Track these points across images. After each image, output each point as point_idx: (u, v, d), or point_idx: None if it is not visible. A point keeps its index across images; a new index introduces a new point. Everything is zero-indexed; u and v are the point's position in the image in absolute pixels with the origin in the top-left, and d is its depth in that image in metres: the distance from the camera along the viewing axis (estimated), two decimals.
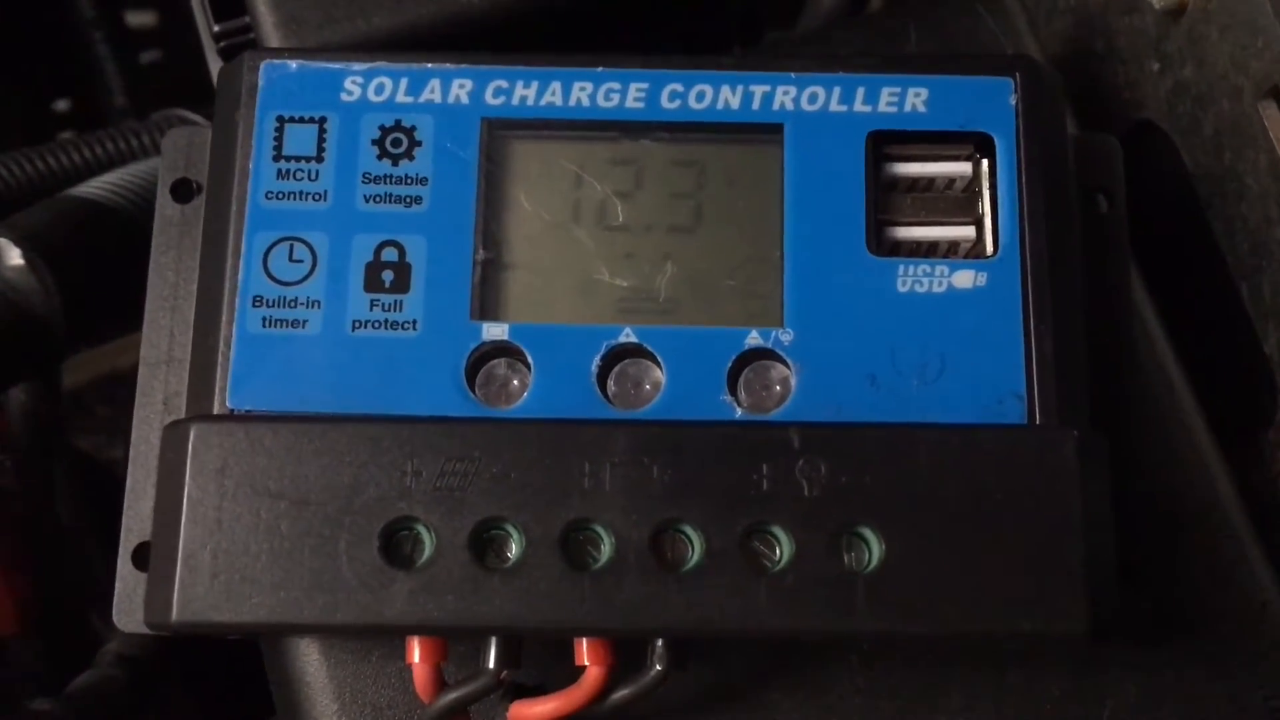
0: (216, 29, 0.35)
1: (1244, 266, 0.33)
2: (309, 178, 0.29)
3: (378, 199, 0.29)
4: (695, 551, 0.26)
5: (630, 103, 0.29)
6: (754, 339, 0.28)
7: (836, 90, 0.29)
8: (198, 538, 0.26)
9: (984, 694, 0.30)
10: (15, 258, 0.38)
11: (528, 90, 0.29)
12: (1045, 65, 0.32)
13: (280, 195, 0.29)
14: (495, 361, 0.28)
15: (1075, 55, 0.38)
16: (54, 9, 0.59)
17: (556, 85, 0.29)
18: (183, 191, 0.31)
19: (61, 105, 0.62)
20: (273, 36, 0.33)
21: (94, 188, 0.42)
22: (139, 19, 0.62)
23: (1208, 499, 0.31)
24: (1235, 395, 0.34)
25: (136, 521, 0.29)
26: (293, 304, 0.28)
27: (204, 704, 0.42)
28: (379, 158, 0.29)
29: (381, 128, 0.29)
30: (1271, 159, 0.31)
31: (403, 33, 0.33)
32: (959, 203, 0.29)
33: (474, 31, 0.34)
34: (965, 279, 0.28)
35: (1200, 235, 0.34)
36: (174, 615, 0.26)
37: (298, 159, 0.29)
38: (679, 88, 0.29)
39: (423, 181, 0.29)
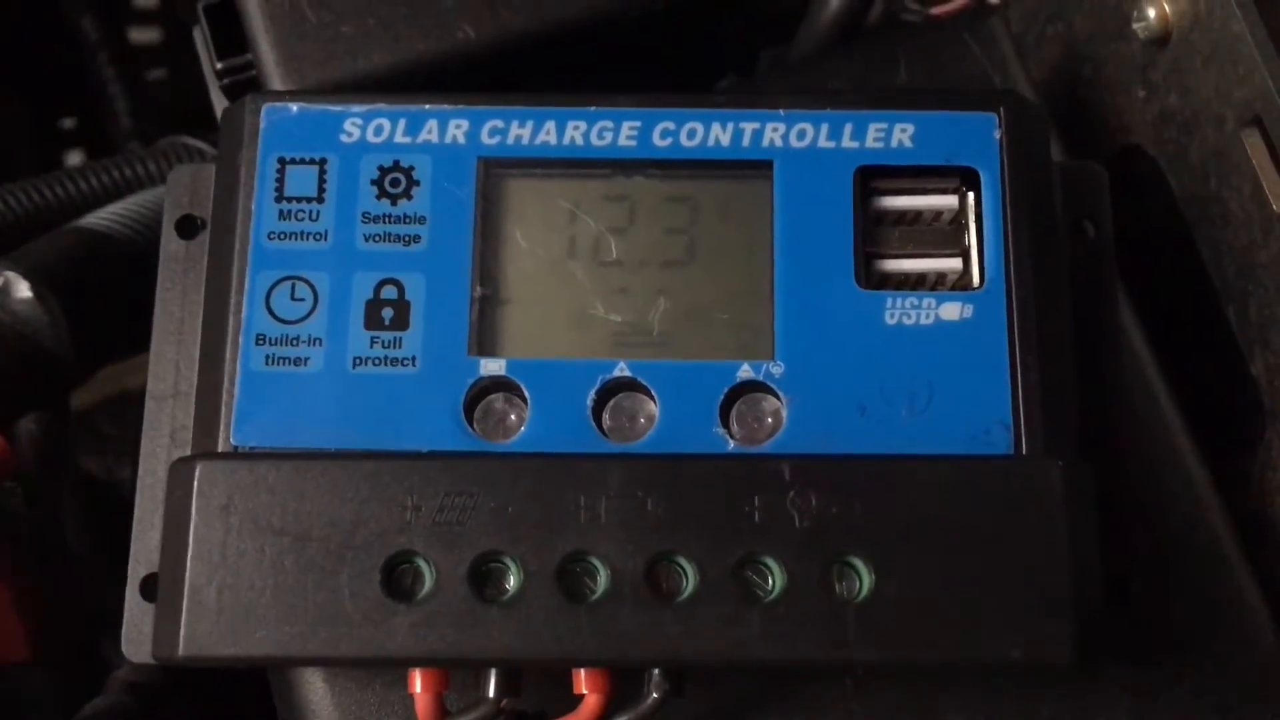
0: (219, 66, 0.35)
1: (1230, 290, 0.33)
2: (310, 218, 0.29)
3: (377, 238, 0.29)
4: (689, 582, 0.27)
5: (623, 140, 0.30)
6: (746, 372, 0.28)
7: (825, 127, 0.30)
8: (203, 574, 0.26)
9: (977, 716, 0.30)
10: (24, 290, 0.38)
11: (523, 130, 0.30)
12: (1029, 99, 0.32)
13: (282, 235, 0.29)
14: (493, 396, 0.29)
15: (1063, 82, 0.38)
16: (59, 28, 0.60)
17: (551, 124, 0.30)
18: (187, 228, 0.32)
19: (68, 123, 0.63)
20: (274, 74, 0.34)
21: (99, 219, 0.43)
22: (143, 36, 0.62)
23: (1197, 521, 0.32)
24: (1223, 417, 0.34)
25: (144, 553, 0.30)
26: (295, 342, 0.29)
27: None
28: (378, 197, 0.29)
29: (380, 168, 0.30)
30: (1255, 186, 0.31)
31: (402, 70, 0.34)
32: (945, 235, 0.30)
33: (472, 67, 0.35)
34: (952, 311, 0.29)
35: (1187, 259, 0.35)
36: (181, 650, 0.26)
37: (299, 199, 0.29)
38: (670, 125, 0.30)
39: (421, 220, 0.29)
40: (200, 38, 0.37)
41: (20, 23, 0.59)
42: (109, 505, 0.49)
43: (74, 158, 0.62)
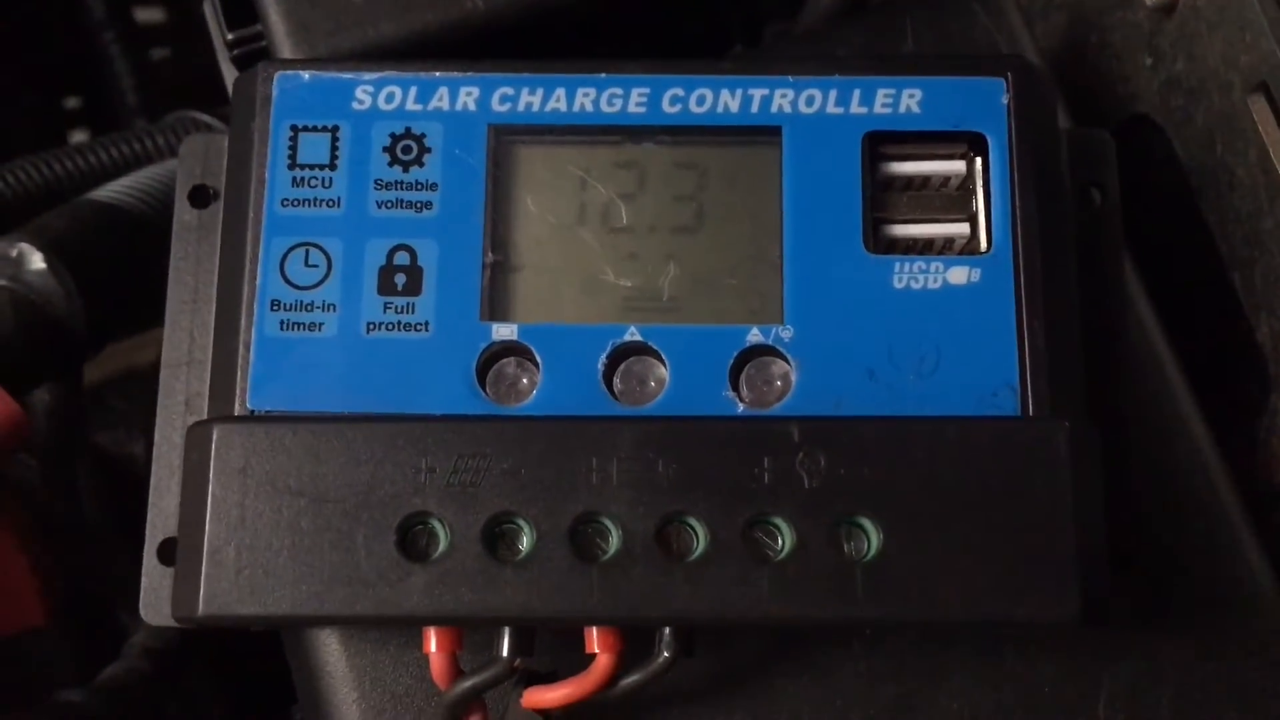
0: (229, 37, 0.35)
1: (1236, 257, 0.34)
2: (323, 185, 0.30)
3: (389, 204, 0.30)
4: (700, 542, 0.27)
5: (632, 107, 0.30)
6: (755, 336, 0.29)
7: (833, 93, 0.30)
8: (222, 535, 0.27)
9: (984, 677, 0.30)
10: (38, 262, 0.38)
11: (533, 97, 0.30)
12: (1037, 65, 0.32)
13: (295, 202, 0.29)
14: (505, 361, 0.29)
15: (1070, 50, 0.38)
16: (64, 8, 0.60)
17: (560, 91, 0.30)
18: (199, 197, 0.32)
19: (72, 103, 0.63)
20: (284, 44, 0.34)
21: (111, 192, 0.43)
22: (148, 15, 0.62)
23: (1202, 486, 0.32)
24: (1228, 383, 0.34)
25: (161, 518, 0.30)
26: (309, 307, 0.29)
27: (227, 693, 0.43)
28: (390, 164, 0.30)
29: (392, 135, 0.30)
30: (1261, 152, 0.32)
31: (410, 39, 0.34)
32: (953, 201, 0.30)
33: (479, 36, 0.34)
34: (960, 275, 0.29)
35: (1193, 226, 0.35)
36: (200, 609, 0.27)
37: (312, 167, 0.30)
38: (680, 92, 0.30)
39: (433, 187, 0.30)
40: (210, 8, 0.37)
41: (26, 3, 0.59)
42: (120, 478, 0.49)
43: (78, 137, 0.62)
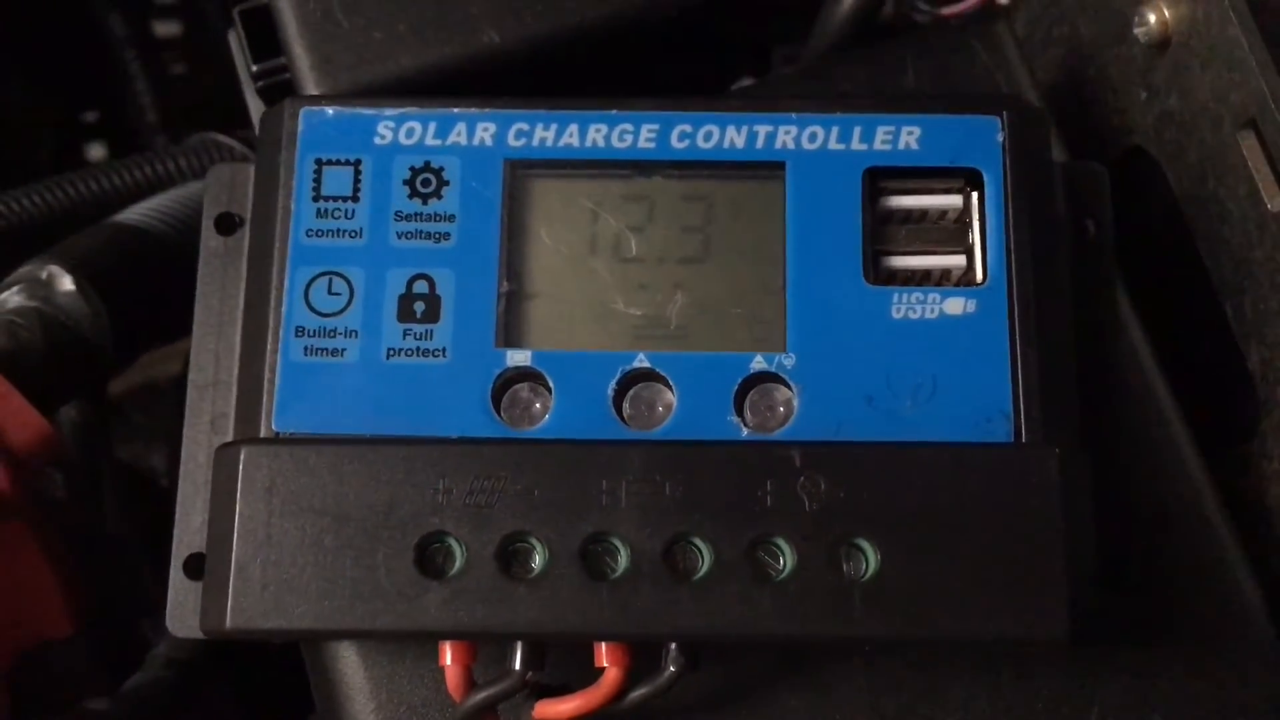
0: (254, 69, 0.37)
1: (1227, 287, 0.34)
2: (346, 216, 0.31)
3: (409, 235, 0.31)
4: (705, 562, 0.28)
5: (642, 143, 0.31)
6: (759, 363, 0.30)
7: (835, 129, 0.31)
8: (248, 551, 0.28)
9: (980, 694, 0.31)
10: (67, 284, 0.39)
11: (547, 132, 0.31)
12: (1031, 102, 0.33)
13: (319, 233, 0.31)
14: (519, 386, 0.30)
15: (1068, 84, 0.39)
16: (84, 23, 0.61)
17: (574, 127, 0.31)
18: (225, 224, 0.33)
19: (90, 117, 0.63)
20: (307, 77, 0.35)
21: (137, 214, 0.44)
22: (167, 30, 0.62)
23: (1193, 508, 0.33)
24: (1219, 410, 0.35)
25: (186, 534, 0.31)
26: (332, 334, 0.30)
27: (247, 703, 0.44)
28: (410, 197, 0.31)
29: (412, 169, 0.31)
30: (1250, 186, 0.32)
31: (428, 72, 0.35)
32: (950, 234, 0.31)
33: (495, 70, 0.36)
34: (956, 306, 0.30)
35: (1186, 256, 0.35)
36: (228, 622, 0.28)
37: (335, 199, 0.31)
38: (688, 128, 0.31)
39: (450, 219, 0.31)
40: (235, 41, 0.38)
41: (46, 18, 0.60)
42: (141, 491, 0.50)
43: (95, 151, 0.62)
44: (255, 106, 0.39)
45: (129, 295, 0.41)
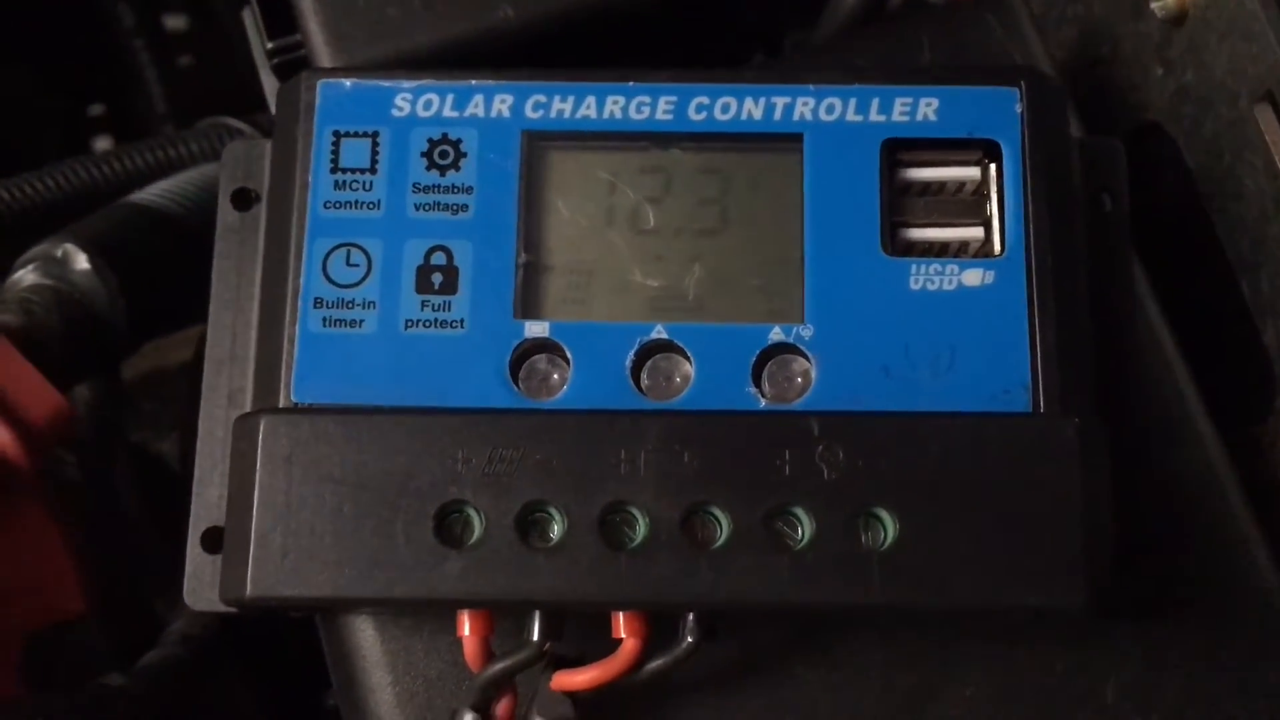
0: (269, 45, 0.37)
1: (1244, 262, 0.34)
2: (364, 188, 0.31)
3: (427, 207, 0.31)
4: (723, 531, 0.28)
5: (660, 115, 0.31)
6: (776, 334, 0.30)
7: (852, 101, 0.31)
8: (268, 521, 0.28)
9: (996, 667, 0.31)
10: (82, 263, 0.40)
11: (564, 104, 0.31)
12: (1049, 75, 0.33)
13: (337, 205, 0.31)
14: (537, 357, 0.30)
15: (1083, 61, 0.39)
16: (92, 15, 0.61)
17: (591, 99, 0.31)
18: (242, 200, 0.33)
19: (96, 110, 0.63)
20: (322, 53, 0.35)
21: (151, 194, 0.44)
22: (176, 22, 0.62)
23: (1209, 484, 0.33)
24: (1235, 385, 0.35)
25: (204, 508, 0.31)
26: (350, 305, 0.30)
27: (262, 678, 0.44)
28: (427, 169, 0.31)
29: (429, 140, 0.31)
30: (1267, 160, 0.32)
31: (444, 48, 0.35)
32: (968, 205, 0.31)
33: (511, 46, 0.36)
34: (974, 277, 0.30)
35: (1202, 232, 0.36)
36: (248, 591, 0.28)
37: (353, 171, 0.31)
38: (705, 100, 0.31)
39: (468, 190, 0.31)
40: (251, 18, 0.39)
41: (53, 10, 0.60)
42: (153, 474, 0.50)
43: (102, 143, 0.62)
44: (270, 85, 0.39)
45: (144, 274, 0.41)
